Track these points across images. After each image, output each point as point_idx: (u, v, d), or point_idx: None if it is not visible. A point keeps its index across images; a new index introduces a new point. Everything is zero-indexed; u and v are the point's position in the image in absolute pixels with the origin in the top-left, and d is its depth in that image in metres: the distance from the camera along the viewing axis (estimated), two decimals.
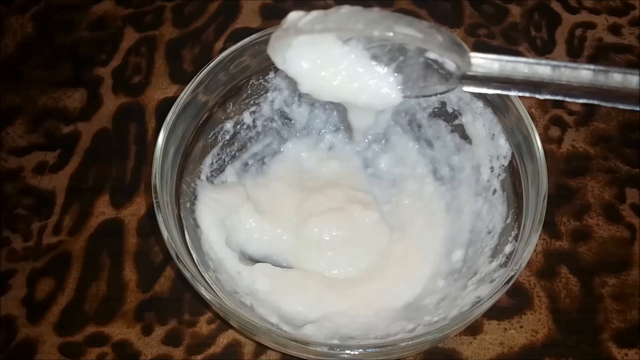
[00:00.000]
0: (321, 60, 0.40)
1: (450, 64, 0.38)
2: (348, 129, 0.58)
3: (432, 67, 0.39)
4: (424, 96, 0.40)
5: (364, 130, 0.52)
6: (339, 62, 0.39)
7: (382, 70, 0.40)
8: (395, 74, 0.40)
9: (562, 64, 0.36)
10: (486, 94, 0.51)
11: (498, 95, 0.50)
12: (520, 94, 0.37)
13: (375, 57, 0.39)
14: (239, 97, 0.55)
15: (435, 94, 0.40)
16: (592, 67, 0.35)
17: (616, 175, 0.61)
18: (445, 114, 0.55)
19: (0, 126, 0.66)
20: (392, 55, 0.39)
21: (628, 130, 0.64)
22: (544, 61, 0.36)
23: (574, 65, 0.35)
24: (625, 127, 0.64)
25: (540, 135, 0.48)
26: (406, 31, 0.36)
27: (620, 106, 0.35)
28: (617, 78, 0.35)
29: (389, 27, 0.36)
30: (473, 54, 0.37)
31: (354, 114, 0.48)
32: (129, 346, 0.54)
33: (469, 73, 0.37)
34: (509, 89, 0.37)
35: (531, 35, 0.70)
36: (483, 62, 0.37)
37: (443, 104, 0.55)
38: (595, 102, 0.36)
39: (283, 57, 0.40)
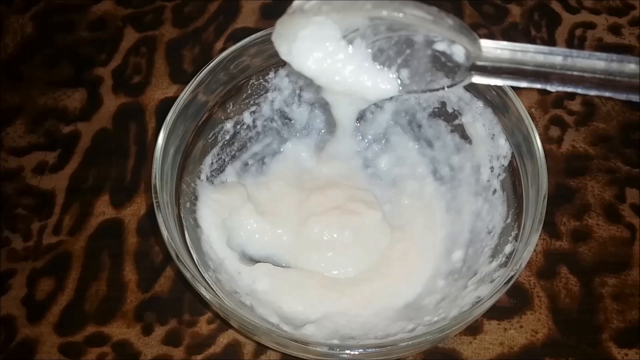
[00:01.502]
0: (327, 62, 0.39)
1: (458, 56, 0.37)
2: (332, 126, 0.58)
3: (440, 60, 0.38)
4: (431, 90, 0.40)
5: (349, 125, 0.52)
6: (344, 66, 0.39)
7: (386, 72, 0.39)
8: (402, 69, 0.39)
9: (574, 52, 0.35)
10: (486, 94, 0.51)
11: (498, 95, 0.50)
12: (531, 85, 0.36)
13: (381, 51, 0.39)
14: (239, 97, 0.55)
15: (443, 88, 0.39)
16: (604, 55, 0.34)
17: (616, 175, 0.61)
18: (445, 114, 0.55)
19: (0, 126, 0.66)
20: (399, 48, 0.38)
21: (628, 130, 0.64)
22: (555, 49, 0.35)
23: (587, 53, 0.35)
24: (625, 127, 0.64)
25: (540, 135, 0.48)
26: (415, 12, 0.36)
27: (633, 98, 0.35)
28: (631, 66, 0.34)
29: (398, 9, 0.36)
30: (482, 40, 0.37)
31: (337, 108, 0.49)
32: (129, 346, 0.54)
33: (478, 63, 0.37)
34: (519, 80, 0.37)
35: (531, 35, 0.70)
36: (493, 47, 0.36)
37: (443, 104, 0.55)
38: (607, 94, 0.35)
39: (289, 48, 0.40)
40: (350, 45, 0.39)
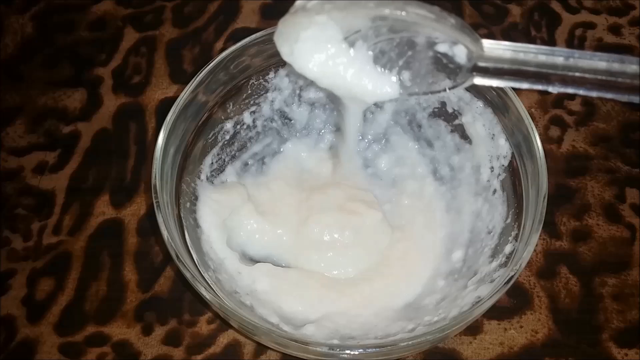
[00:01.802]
0: (329, 64, 0.40)
1: (460, 57, 0.37)
2: (331, 126, 0.59)
3: (442, 62, 0.38)
4: (432, 92, 0.40)
5: (356, 129, 0.53)
6: (346, 69, 0.39)
7: (387, 75, 0.39)
8: (404, 70, 0.39)
9: (576, 52, 0.35)
10: (486, 94, 0.51)
11: (498, 95, 0.50)
12: (532, 86, 0.36)
13: (383, 52, 0.39)
14: (239, 97, 0.55)
15: (445, 89, 0.39)
16: (606, 56, 0.34)
17: (616, 175, 0.61)
18: (445, 114, 0.55)
19: (0, 126, 0.66)
20: (401, 49, 0.38)
21: (628, 130, 0.64)
22: (557, 49, 0.35)
23: (588, 53, 0.35)
24: (625, 127, 0.64)
25: (540, 135, 0.48)
26: (418, 11, 0.36)
27: (634, 99, 0.35)
28: (633, 67, 0.34)
29: (401, 7, 0.36)
30: (484, 40, 0.37)
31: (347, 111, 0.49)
32: (129, 346, 0.54)
33: (480, 64, 0.37)
34: (520, 81, 0.37)
35: (531, 35, 0.70)
36: (495, 47, 0.36)
37: (443, 104, 0.55)
38: (609, 95, 0.35)
39: (290, 49, 0.40)
40: (351, 48, 0.39)
